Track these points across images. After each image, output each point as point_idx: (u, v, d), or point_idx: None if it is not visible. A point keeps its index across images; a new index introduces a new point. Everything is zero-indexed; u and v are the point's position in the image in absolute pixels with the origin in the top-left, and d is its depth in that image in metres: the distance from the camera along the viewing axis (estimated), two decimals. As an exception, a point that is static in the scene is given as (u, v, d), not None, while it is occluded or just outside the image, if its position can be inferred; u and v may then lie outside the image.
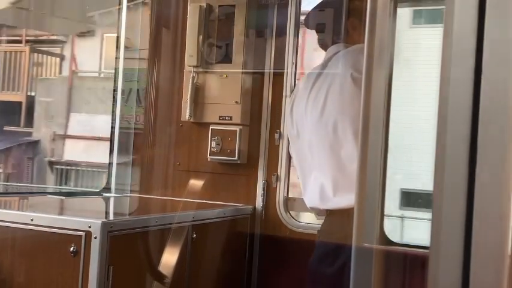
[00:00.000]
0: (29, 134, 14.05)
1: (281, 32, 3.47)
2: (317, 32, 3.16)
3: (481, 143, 0.99)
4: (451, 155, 1.00)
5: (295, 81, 3.43)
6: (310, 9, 3.21)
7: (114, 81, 3.80)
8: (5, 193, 3.85)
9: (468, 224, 0.98)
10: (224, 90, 3.54)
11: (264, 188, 3.48)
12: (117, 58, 3.78)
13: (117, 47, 3.78)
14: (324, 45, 3.12)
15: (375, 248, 1.21)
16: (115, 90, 3.80)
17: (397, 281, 1.45)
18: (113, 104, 3.78)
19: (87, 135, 13.03)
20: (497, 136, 0.99)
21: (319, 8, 3.20)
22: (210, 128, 3.54)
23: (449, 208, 1.00)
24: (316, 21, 3.17)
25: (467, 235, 0.98)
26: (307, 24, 3.25)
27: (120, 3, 3.78)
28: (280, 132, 3.46)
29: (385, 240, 1.32)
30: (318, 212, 3.00)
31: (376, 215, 1.25)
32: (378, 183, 1.26)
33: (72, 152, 13.49)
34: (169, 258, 2.82)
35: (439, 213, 0.99)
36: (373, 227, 1.22)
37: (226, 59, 3.53)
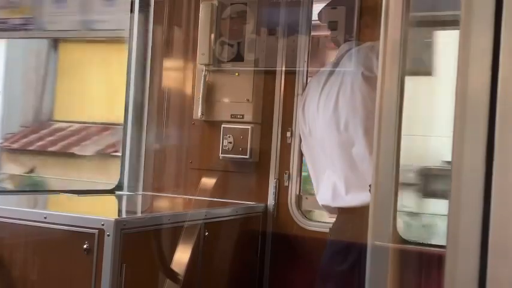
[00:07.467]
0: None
1: (293, 30, 3.47)
2: (329, 29, 3.17)
3: (498, 142, 0.99)
4: (469, 153, 1.00)
5: (307, 80, 3.42)
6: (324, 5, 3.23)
7: (127, 75, 3.80)
8: (19, 191, 3.87)
9: (485, 221, 0.98)
10: (236, 89, 3.54)
11: (275, 186, 3.48)
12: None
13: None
14: (336, 42, 3.13)
15: (390, 247, 1.21)
16: (127, 84, 3.79)
17: (411, 278, 1.45)
18: (125, 100, 3.78)
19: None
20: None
21: (331, 5, 3.21)
22: (222, 126, 3.55)
23: (466, 205, 1.00)
24: (329, 18, 3.17)
25: (484, 232, 0.98)
26: (320, 19, 3.26)
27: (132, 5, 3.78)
28: (292, 130, 3.46)
29: (399, 238, 1.32)
30: (329, 210, 3.00)
31: (390, 213, 1.25)
32: (392, 182, 1.26)
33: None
34: (182, 255, 2.83)
35: (456, 211, 0.99)
36: (387, 226, 1.22)
37: (238, 57, 3.53)
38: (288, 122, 3.48)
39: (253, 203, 3.46)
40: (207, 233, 2.96)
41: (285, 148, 3.49)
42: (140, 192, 3.74)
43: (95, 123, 9.81)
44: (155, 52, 3.80)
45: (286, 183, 3.47)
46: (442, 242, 1.06)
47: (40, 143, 9.73)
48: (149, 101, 3.79)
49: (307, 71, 3.46)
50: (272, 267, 3.44)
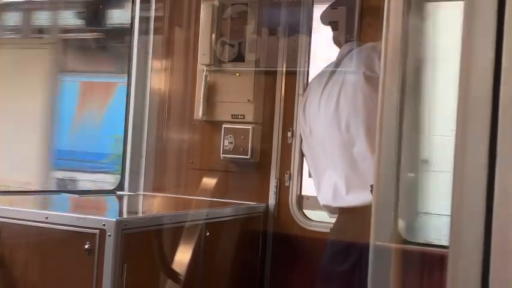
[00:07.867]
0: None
1: (294, 30, 3.47)
2: (331, 29, 3.16)
3: (500, 141, 0.98)
4: (471, 152, 1.00)
5: (307, 80, 3.42)
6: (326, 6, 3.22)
7: (128, 75, 3.80)
8: (20, 191, 3.87)
9: (488, 221, 0.98)
10: (237, 89, 3.54)
11: (276, 186, 3.48)
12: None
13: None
14: (338, 43, 3.12)
15: (393, 247, 1.21)
16: (128, 84, 3.79)
17: (413, 278, 1.45)
18: (126, 100, 3.78)
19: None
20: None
21: (333, 5, 3.20)
22: (223, 126, 3.54)
23: (469, 206, 1.00)
24: (330, 18, 3.17)
25: (486, 232, 0.98)
26: (322, 21, 3.26)
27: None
28: (292, 130, 3.45)
29: (400, 238, 1.32)
30: (330, 210, 3.00)
31: (392, 213, 1.25)
32: (393, 181, 1.26)
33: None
34: (183, 256, 2.83)
35: (459, 211, 0.99)
36: (389, 226, 1.22)
37: (239, 57, 3.53)
38: (288, 122, 3.48)
39: (254, 203, 3.46)
40: (208, 233, 2.96)
41: (286, 148, 3.49)
42: (141, 192, 3.74)
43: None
44: (156, 52, 3.80)
45: (287, 184, 3.47)
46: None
47: None
48: (150, 101, 3.79)
49: (308, 71, 3.46)
50: (273, 267, 3.44)
